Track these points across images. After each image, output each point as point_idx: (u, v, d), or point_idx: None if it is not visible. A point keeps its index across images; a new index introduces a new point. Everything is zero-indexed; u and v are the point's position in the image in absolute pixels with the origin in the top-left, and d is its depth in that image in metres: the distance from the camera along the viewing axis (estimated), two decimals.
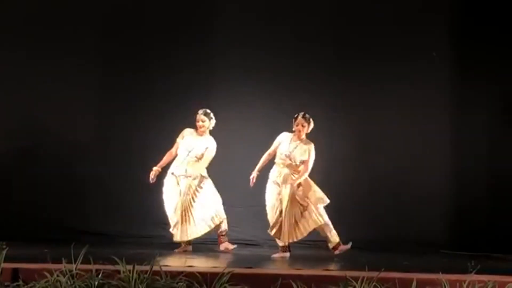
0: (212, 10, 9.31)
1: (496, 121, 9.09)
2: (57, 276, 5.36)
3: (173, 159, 8.05)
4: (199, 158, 7.92)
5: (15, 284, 5.48)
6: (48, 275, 5.39)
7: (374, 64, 9.21)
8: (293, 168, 7.65)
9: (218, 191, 8.00)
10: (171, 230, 7.95)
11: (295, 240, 7.63)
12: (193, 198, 7.88)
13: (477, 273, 5.71)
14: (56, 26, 9.18)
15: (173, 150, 8.05)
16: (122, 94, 9.22)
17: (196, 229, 7.86)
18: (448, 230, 8.94)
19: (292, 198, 7.56)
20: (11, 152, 9.02)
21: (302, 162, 7.62)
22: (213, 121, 8.01)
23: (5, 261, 5.61)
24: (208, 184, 7.97)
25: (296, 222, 7.55)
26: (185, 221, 7.85)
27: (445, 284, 5.44)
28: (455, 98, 9.19)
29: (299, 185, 7.59)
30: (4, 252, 5.66)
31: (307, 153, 7.63)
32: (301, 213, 7.56)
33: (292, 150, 7.62)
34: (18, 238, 7.49)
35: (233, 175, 8.31)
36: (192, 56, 9.20)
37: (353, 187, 8.98)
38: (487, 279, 5.56)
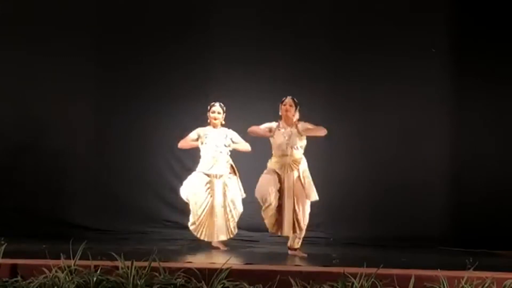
0: (210, 5, 9.29)
1: (495, 118, 9.07)
2: (56, 272, 5.40)
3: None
4: (227, 151, 7.89)
5: (13, 279, 5.50)
6: (46, 271, 5.43)
7: (373, 63, 9.17)
8: (293, 157, 7.47)
9: None
10: (194, 231, 7.84)
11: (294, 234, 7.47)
12: (225, 197, 7.84)
13: (475, 269, 5.73)
14: (54, 24, 9.16)
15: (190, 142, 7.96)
16: (121, 91, 9.19)
17: (228, 230, 7.85)
18: (447, 226, 8.92)
19: (294, 189, 7.41)
20: (10, 148, 9.01)
21: (302, 146, 7.50)
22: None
23: (3, 256, 5.65)
24: (235, 181, 7.95)
25: (295, 215, 7.39)
26: (213, 222, 7.80)
27: (443, 281, 5.45)
28: (454, 96, 9.16)
29: (298, 180, 7.45)
30: (3, 248, 5.68)
31: (305, 131, 7.46)
32: (300, 205, 7.41)
33: (288, 138, 7.48)
34: (17, 234, 7.50)
35: None
36: (191, 53, 9.18)
37: (352, 185, 8.95)
38: (486, 276, 5.58)
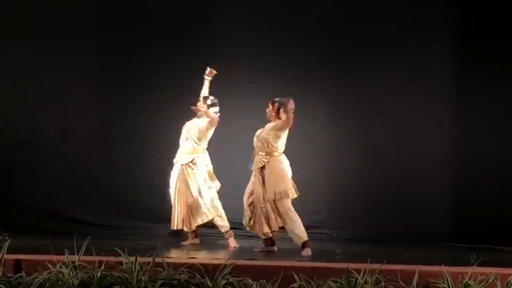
0: (210, 5, 9.29)
1: (496, 117, 9.07)
2: (60, 267, 5.40)
3: None
4: (194, 141, 7.91)
5: (17, 275, 5.50)
6: (50, 266, 5.43)
7: (375, 61, 9.17)
8: (263, 149, 7.39)
9: None
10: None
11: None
12: (188, 185, 7.84)
13: (479, 265, 5.73)
14: (54, 23, 9.18)
15: None
16: (122, 89, 9.21)
17: (195, 220, 7.85)
18: (450, 222, 8.91)
19: (264, 186, 7.30)
20: (13, 145, 9.04)
21: (269, 142, 7.37)
22: (215, 108, 7.99)
23: (7, 252, 5.64)
24: (200, 170, 7.92)
25: (268, 214, 7.30)
26: (183, 210, 7.85)
27: (447, 276, 5.45)
28: (456, 95, 9.15)
29: (263, 168, 7.30)
30: (7, 243, 5.68)
31: (273, 124, 7.39)
32: (268, 203, 7.30)
33: (259, 133, 7.47)
34: (21, 230, 7.48)
35: (232, 166, 8.27)
36: (191, 53, 9.18)
37: (355, 182, 8.94)
38: (489, 272, 5.57)
